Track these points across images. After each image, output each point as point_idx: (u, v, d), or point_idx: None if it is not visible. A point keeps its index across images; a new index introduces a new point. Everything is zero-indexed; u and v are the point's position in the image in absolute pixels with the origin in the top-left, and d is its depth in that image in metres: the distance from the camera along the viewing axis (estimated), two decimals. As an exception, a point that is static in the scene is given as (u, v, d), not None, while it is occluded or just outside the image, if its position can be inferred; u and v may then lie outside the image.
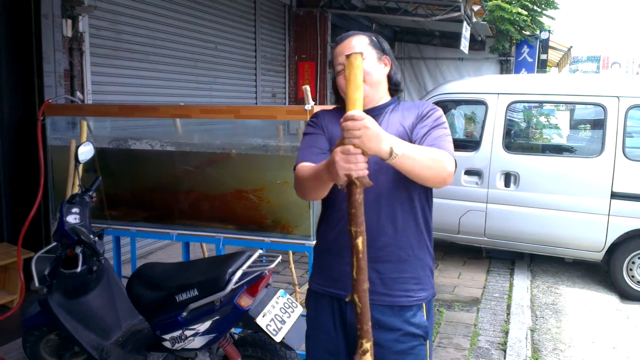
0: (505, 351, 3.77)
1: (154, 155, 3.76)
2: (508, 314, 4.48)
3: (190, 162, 3.63)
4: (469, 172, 5.57)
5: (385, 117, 1.86)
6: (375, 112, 1.83)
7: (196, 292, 2.59)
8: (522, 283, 5.26)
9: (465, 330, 4.13)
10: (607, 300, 5.02)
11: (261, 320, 2.63)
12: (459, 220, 5.62)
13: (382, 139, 1.51)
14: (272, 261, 2.71)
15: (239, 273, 2.57)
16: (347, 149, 1.47)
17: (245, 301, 2.59)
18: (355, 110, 1.48)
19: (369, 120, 1.48)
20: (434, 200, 1.95)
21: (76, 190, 3.24)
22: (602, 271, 5.62)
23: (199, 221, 3.55)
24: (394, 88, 1.93)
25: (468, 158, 5.57)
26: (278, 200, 3.42)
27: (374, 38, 1.90)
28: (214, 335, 2.61)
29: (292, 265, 4.45)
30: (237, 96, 7.52)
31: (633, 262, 5.10)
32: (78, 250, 2.83)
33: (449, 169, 1.69)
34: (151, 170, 3.77)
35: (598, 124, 5.64)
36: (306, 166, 1.77)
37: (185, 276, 2.68)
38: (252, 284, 2.61)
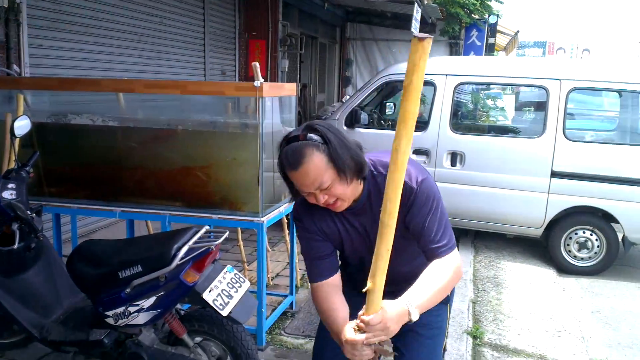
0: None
1: (95, 130, 3.66)
2: (452, 288, 4.62)
3: (134, 138, 3.55)
4: (417, 152, 5.67)
5: (371, 209, 1.80)
6: (358, 207, 1.80)
7: (140, 268, 2.54)
8: (465, 258, 5.42)
9: (411, 304, 4.24)
10: (545, 273, 5.25)
11: (207, 296, 2.61)
12: (407, 198, 5.72)
13: (401, 320, 1.56)
14: (219, 237, 2.69)
15: (184, 249, 2.53)
16: (349, 343, 1.56)
17: (191, 277, 2.57)
18: (370, 316, 1.51)
19: (387, 318, 1.52)
20: None
21: (12, 165, 3.12)
22: (541, 246, 5.86)
23: (144, 198, 3.47)
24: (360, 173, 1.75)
25: (416, 138, 5.65)
26: (226, 178, 3.39)
27: (325, 146, 1.63)
28: (158, 311, 2.57)
29: (241, 243, 4.44)
30: (185, 73, 7.34)
31: (570, 238, 5.35)
32: (15, 226, 2.72)
33: (460, 272, 1.76)
34: (93, 146, 3.65)
35: (541, 106, 5.83)
36: (326, 310, 1.82)
37: (128, 252, 2.63)
38: (199, 260, 2.58)
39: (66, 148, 3.69)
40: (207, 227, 2.74)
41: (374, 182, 1.79)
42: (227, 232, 2.73)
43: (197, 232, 2.65)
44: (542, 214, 5.31)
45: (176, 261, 2.50)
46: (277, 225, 4.53)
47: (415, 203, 1.74)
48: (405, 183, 1.64)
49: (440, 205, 1.78)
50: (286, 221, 4.31)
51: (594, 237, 5.28)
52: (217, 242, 2.63)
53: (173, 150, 3.53)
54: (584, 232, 5.31)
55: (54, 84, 3.73)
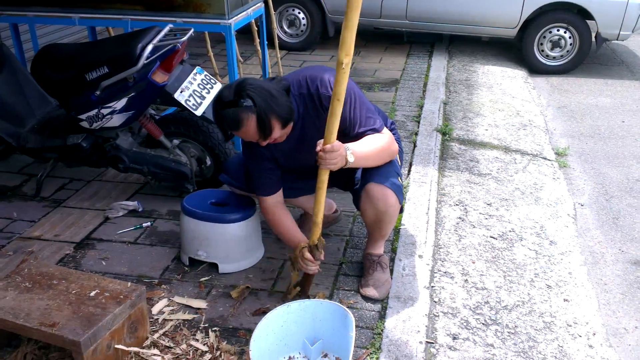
0: (419, 122, 4.01)
1: None
2: (424, 91, 4.68)
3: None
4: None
5: (305, 125, 2.03)
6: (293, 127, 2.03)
7: (107, 69, 2.50)
8: (439, 63, 5.42)
9: (384, 107, 4.32)
10: (517, 74, 5.31)
11: (179, 96, 2.62)
12: (381, 3, 5.51)
13: (343, 159, 1.88)
14: (185, 34, 2.61)
15: (149, 47, 2.48)
16: (303, 258, 2.03)
17: (160, 77, 2.54)
18: (330, 145, 1.82)
19: (341, 147, 1.85)
20: None
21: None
22: (514, 49, 5.85)
23: (103, 3, 3.29)
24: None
25: None
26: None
27: (256, 111, 1.84)
28: (132, 112, 2.59)
29: (211, 54, 4.33)
30: None
31: (544, 37, 5.32)
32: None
33: (394, 147, 2.10)
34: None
35: None
36: (277, 222, 2.17)
37: (93, 54, 2.57)
38: (166, 59, 2.54)
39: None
40: (171, 25, 2.65)
41: (295, 104, 2.00)
42: (192, 30, 2.65)
43: (160, 30, 2.57)
44: (518, 12, 5.20)
45: (142, 60, 2.46)
46: (248, 39, 4.39)
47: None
48: (316, 91, 1.97)
49: (359, 98, 2.02)
50: (256, 29, 4.17)
51: (567, 35, 5.26)
52: (183, 40, 2.56)
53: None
54: (558, 30, 5.26)
55: None
